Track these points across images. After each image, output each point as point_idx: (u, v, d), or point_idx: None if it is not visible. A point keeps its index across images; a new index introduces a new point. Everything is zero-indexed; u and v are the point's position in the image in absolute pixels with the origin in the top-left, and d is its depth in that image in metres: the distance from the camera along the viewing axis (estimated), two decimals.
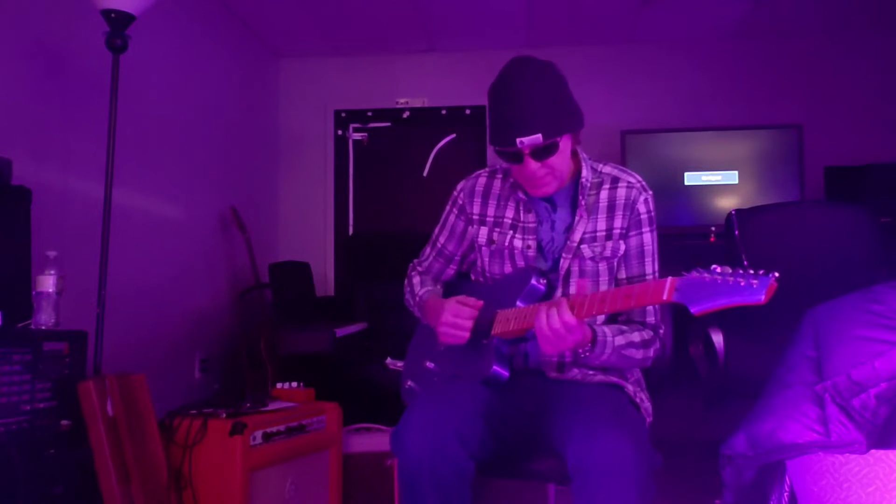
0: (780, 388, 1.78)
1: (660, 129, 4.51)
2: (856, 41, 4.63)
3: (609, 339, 1.67)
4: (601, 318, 1.76)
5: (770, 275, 1.28)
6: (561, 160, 1.72)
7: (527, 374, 1.80)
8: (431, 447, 1.53)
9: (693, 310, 1.34)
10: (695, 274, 1.36)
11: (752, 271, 1.30)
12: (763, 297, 1.27)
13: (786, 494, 1.81)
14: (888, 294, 1.74)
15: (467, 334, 1.74)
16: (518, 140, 1.64)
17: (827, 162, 4.33)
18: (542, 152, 1.68)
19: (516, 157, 1.69)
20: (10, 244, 2.28)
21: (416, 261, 2.06)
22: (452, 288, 2.01)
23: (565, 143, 1.72)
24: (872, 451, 1.61)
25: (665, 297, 1.39)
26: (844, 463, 1.63)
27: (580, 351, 1.66)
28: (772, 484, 1.83)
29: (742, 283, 1.29)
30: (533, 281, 1.74)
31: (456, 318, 1.74)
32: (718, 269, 1.34)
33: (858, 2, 4.24)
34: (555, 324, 1.55)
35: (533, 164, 1.69)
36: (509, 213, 1.85)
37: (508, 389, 1.75)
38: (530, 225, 1.82)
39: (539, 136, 1.64)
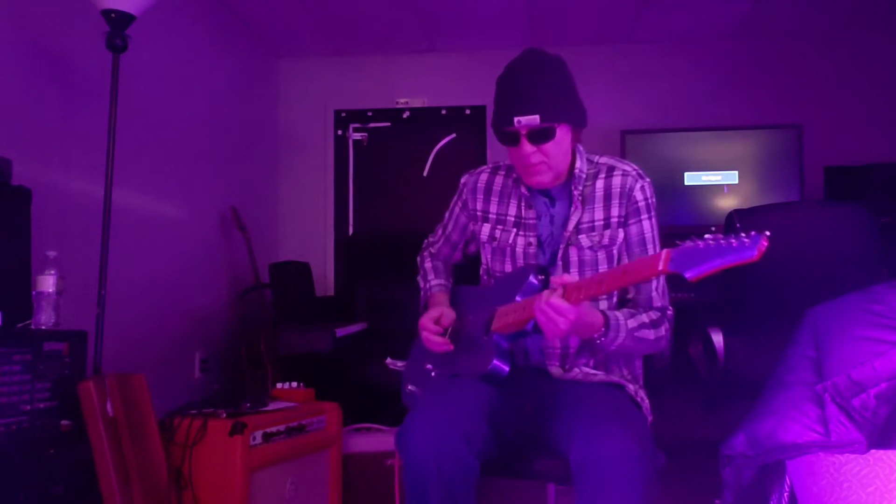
0: (780, 388, 1.78)
1: (660, 129, 4.51)
2: (856, 41, 4.63)
3: (622, 321, 1.67)
4: (603, 304, 1.77)
5: (762, 233, 1.28)
6: (557, 149, 1.73)
7: (528, 371, 1.81)
8: (437, 447, 1.53)
9: (687, 275, 1.34)
10: (689, 242, 1.37)
11: (743, 233, 1.30)
12: (755, 253, 1.27)
13: (786, 494, 1.81)
14: (888, 294, 1.74)
15: (435, 342, 1.84)
16: (516, 119, 1.66)
17: (827, 162, 4.33)
18: (538, 135, 1.68)
19: (513, 138, 1.71)
20: (10, 244, 2.28)
21: (430, 238, 2.12)
22: (457, 290, 2.03)
23: (563, 134, 1.72)
24: (872, 451, 1.60)
25: (661, 268, 1.39)
26: (844, 463, 1.63)
27: (595, 336, 1.65)
28: (772, 484, 1.83)
29: (734, 244, 1.29)
30: (531, 277, 1.75)
31: (426, 332, 1.86)
32: (711, 235, 1.34)
33: (858, 2, 4.24)
34: (543, 306, 1.55)
35: (528, 147, 1.70)
36: (512, 210, 1.86)
37: (510, 388, 1.75)
38: (531, 221, 1.83)
39: (537, 117, 1.65)
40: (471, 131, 5.05)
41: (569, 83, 1.73)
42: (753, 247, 1.27)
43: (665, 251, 1.40)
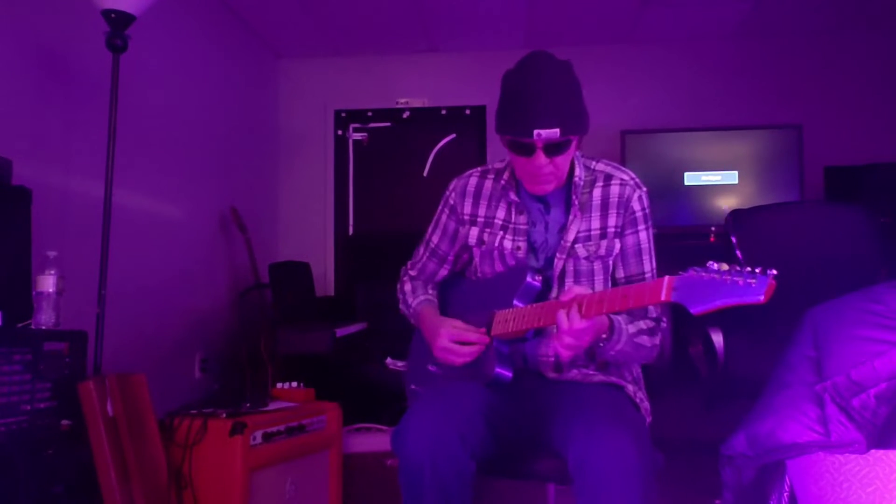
0: (780, 388, 1.78)
1: (660, 129, 4.51)
2: (856, 41, 4.64)
3: (623, 326, 1.66)
4: None
5: (768, 274, 1.27)
6: (566, 160, 1.71)
7: (526, 374, 1.80)
8: (432, 447, 1.53)
9: (693, 310, 1.32)
10: (692, 273, 1.34)
11: (749, 269, 1.28)
12: (762, 297, 1.26)
13: (786, 494, 1.81)
14: (888, 294, 1.74)
15: (461, 361, 1.77)
16: (535, 132, 1.61)
17: (827, 162, 4.33)
18: (554, 148, 1.66)
19: (528, 149, 1.66)
20: (10, 244, 2.27)
21: (408, 263, 2.05)
22: (447, 286, 2.01)
23: (575, 144, 1.71)
24: (872, 451, 1.60)
25: (663, 298, 1.38)
26: (844, 463, 1.63)
27: (599, 341, 1.63)
28: (772, 484, 1.83)
29: (741, 283, 1.28)
30: (528, 279, 1.74)
31: (452, 346, 1.77)
32: (715, 267, 1.32)
33: (858, 2, 4.24)
34: (567, 332, 1.53)
35: (542, 159, 1.66)
36: (500, 214, 1.84)
37: (509, 389, 1.74)
38: (521, 226, 1.81)
39: (557, 130, 1.61)
40: (471, 131, 5.05)
41: (580, 91, 1.70)
42: (761, 290, 1.26)
43: (667, 279, 1.38)
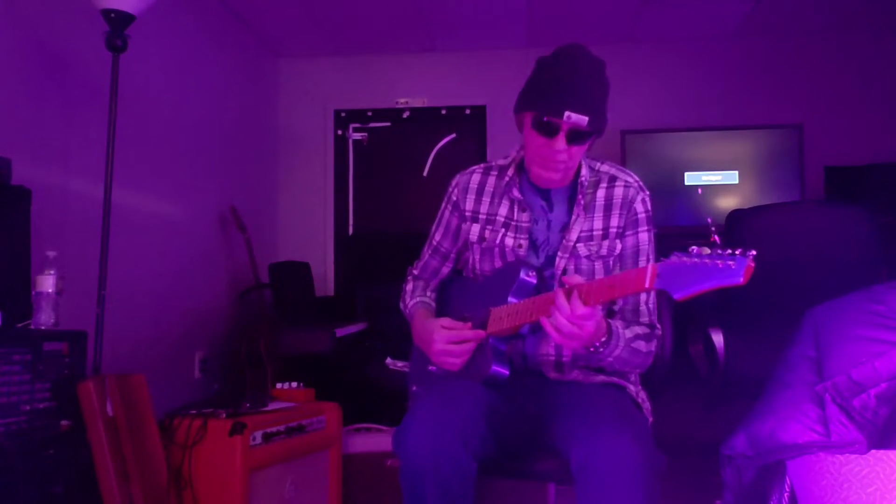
0: (781, 388, 1.78)
1: (660, 129, 4.51)
2: (856, 41, 4.63)
3: (620, 330, 1.65)
4: None
5: (747, 254, 1.26)
6: (580, 153, 1.72)
7: (527, 374, 1.80)
8: (434, 447, 1.52)
9: (675, 296, 1.32)
10: (674, 258, 1.34)
11: (728, 251, 1.27)
12: (742, 279, 1.24)
13: (786, 495, 1.80)
14: (888, 294, 1.74)
15: (460, 363, 1.75)
16: (566, 113, 1.61)
17: (827, 162, 4.33)
18: (576, 136, 1.65)
19: (552, 129, 1.65)
20: (9, 244, 2.27)
21: (415, 262, 2.06)
22: (444, 286, 2.01)
23: (591, 141, 1.72)
24: (873, 451, 1.60)
25: (647, 285, 1.36)
26: (845, 463, 1.63)
27: (597, 344, 1.61)
28: (772, 484, 1.83)
29: (720, 265, 1.26)
30: (522, 275, 1.73)
31: (449, 347, 1.75)
32: (696, 251, 1.31)
33: (858, 2, 4.24)
34: (570, 317, 1.50)
35: (562, 144, 1.65)
36: (502, 211, 1.84)
37: (509, 389, 1.74)
38: (524, 224, 1.81)
39: (586, 119, 1.62)
40: (471, 131, 5.05)
41: (608, 93, 1.70)
42: (740, 271, 1.25)
43: (651, 266, 1.37)
